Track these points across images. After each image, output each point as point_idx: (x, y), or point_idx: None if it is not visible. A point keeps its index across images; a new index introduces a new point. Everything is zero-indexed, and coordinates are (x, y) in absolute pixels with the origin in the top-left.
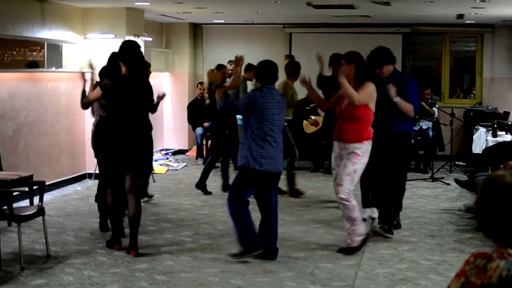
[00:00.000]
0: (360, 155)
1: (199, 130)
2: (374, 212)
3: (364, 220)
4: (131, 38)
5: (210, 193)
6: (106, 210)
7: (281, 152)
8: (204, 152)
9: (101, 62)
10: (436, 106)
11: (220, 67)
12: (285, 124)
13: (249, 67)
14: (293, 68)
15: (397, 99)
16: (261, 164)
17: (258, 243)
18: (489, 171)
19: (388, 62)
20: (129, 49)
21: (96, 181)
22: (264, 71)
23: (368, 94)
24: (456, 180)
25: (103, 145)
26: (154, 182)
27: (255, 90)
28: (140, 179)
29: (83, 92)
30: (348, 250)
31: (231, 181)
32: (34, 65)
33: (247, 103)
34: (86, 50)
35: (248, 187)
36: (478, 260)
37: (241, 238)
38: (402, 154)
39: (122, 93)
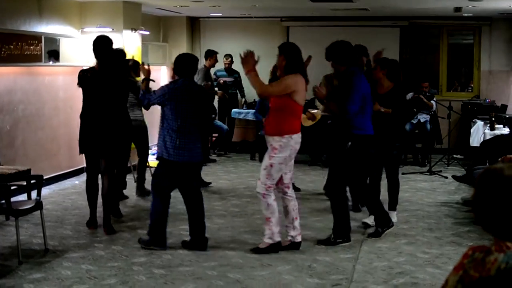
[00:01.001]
0: (277, 148)
1: None
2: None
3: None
4: (128, 32)
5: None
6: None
7: (197, 143)
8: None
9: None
10: (434, 99)
11: (210, 53)
12: None
13: (210, 53)
14: None
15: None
16: (173, 154)
17: (164, 241)
18: (487, 164)
19: (334, 58)
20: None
21: None
22: (181, 64)
23: (285, 86)
24: (454, 177)
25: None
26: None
27: (171, 82)
28: (114, 163)
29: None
30: (255, 250)
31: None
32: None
33: (161, 95)
34: (83, 44)
35: (165, 177)
36: (477, 253)
37: (151, 227)
38: (347, 154)
39: (92, 85)
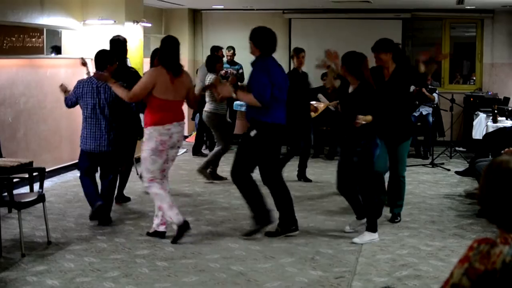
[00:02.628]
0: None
1: (198, 118)
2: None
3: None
4: (130, 24)
5: (225, 178)
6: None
7: (105, 133)
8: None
9: (100, 48)
10: (436, 92)
11: (216, 49)
12: None
13: (215, 49)
14: None
15: (233, 95)
16: (83, 143)
17: (97, 201)
18: (490, 157)
19: (254, 41)
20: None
21: None
22: (98, 59)
23: (143, 85)
24: (457, 172)
25: None
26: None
27: (81, 79)
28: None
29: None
30: (173, 240)
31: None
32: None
33: (74, 92)
34: (85, 37)
35: (83, 163)
36: (482, 246)
37: (88, 201)
38: (255, 145)
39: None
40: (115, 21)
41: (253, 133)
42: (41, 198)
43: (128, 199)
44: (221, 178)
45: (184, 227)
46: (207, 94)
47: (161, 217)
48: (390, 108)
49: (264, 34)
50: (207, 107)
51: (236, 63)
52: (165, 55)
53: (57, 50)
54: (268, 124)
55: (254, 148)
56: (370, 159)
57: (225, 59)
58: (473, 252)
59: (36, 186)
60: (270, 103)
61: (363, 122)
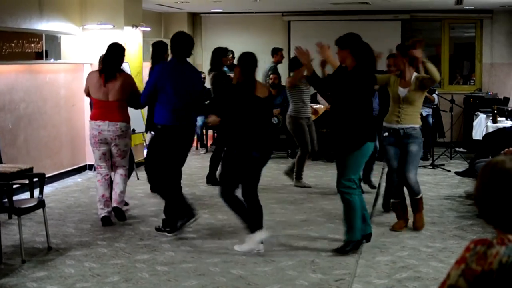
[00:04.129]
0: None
1: (199, 121)
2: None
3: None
4: (129, 28)
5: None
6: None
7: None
8: (209, 143)
9: (100, 52)
10: (436, 92)
11: (276, 50)
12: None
13: (275, 50)
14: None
15: None
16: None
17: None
18: (490, 157)
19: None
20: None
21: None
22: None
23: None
24: (457, 173)
25: None
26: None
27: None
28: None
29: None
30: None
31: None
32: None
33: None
34: (84, 41)
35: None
36: (479, 247)
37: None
38: (154, 147)
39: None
40: (114, 26)
41: (149, 135)
42: (41, 204)
43: (126, 204)
44: (305, 186)
45: (103, 221)
46: (289, 96)
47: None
48: (336, 113)
49: (173, 39)
50: (289, 110)
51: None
52: (104, 60)
53: (56, 55)
54: (156, 126)
55: (153, 149)
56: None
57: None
58: (470, 253)
59: (36, 192)
60: (145, 105)
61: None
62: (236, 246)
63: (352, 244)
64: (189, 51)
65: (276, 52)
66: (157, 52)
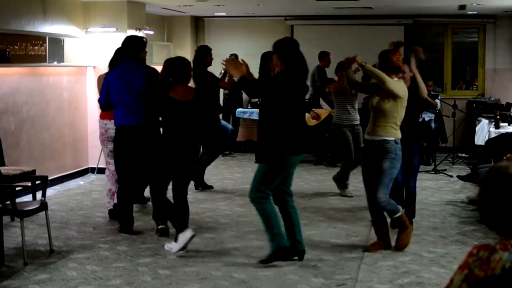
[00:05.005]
0: None
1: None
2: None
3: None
4: (133, 31)
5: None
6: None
7: None
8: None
9: (103, 55)
10: (439, 97)
11: (323, 54)
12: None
13: (322, 55)
14: None
15: None
16: None
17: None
18: (492, 162)
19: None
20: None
21: (99, 175)
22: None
23: None
24: (459, 176)
25: None
26: None
27: None
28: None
29: None
30: None
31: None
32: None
33: None
34: (87, 44)
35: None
36: (481, 252)
37: None
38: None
39: None
40: (117, 29)
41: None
42: (43, 206)
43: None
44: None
45: (110, 215)
46: (334, 102)
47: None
48: (259, 119)
49: (124, 41)
50: (334, 116)
51: None
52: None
53: (59, 58)
54: (117, 127)
55: (115, 150)
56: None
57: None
58: (473, 258)
59: (39, 194)
60: (105, 108)
61: None
62: (166, 245)
63: (277, 251)
64: (137, 52)
65: (322, 57)
66: (198, 56)
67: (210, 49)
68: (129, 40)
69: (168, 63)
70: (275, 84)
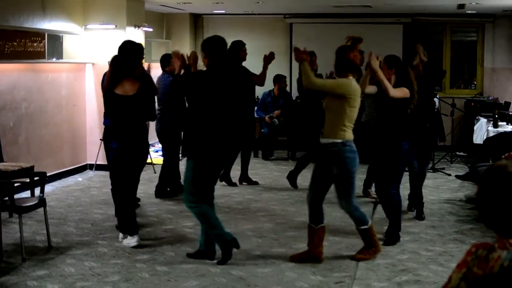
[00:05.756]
0: None
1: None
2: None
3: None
4: (132, 28)
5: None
6: None
7: None
8: None
9: (102, 52)
10: (437, 96)
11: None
12: None
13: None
14: None
15: None
16: None
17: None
18: (490, 161)
19: None
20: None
21: (97, 172)
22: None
23: None
24: (457, 176)
25: None
26: (154, 173)
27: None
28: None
29: None
30: None
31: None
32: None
33: None
34: (86, 41)
35: None
36: (480, 251)
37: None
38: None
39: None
40: (116, 26)
41: None
42: (42, 202)
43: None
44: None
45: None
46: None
47: None
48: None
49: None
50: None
51: None
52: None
53: (58, 54)
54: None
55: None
56: None
57: None
58: (471, 257)
59: (37, 191)
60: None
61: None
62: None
63: (226, 247)
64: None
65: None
66: (232, 51)
67: (244, 44)
68: (126, 47)
69: (113, 59)
70: (196, 82)
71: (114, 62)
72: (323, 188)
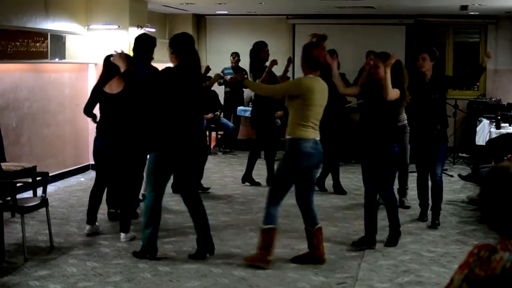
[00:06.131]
0: None
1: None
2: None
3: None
4: (134, 29)
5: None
6: None
7: None
8: (212, 145)
9: (104, 53)
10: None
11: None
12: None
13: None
14: None
15: None
16: None
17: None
18: (493, 163)
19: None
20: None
21: None
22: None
23: None
24: (460, 176)
25: None
26: None
27: None
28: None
29: None
30: None
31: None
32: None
33: None
34: (89, 41)
35: None
36: (482, 252)
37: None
38: None
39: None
40: (119, 26)
41: None
42: (44, 202)
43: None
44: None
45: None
46: None
47: None
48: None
49: (137, 39)
50: None
51: (242, 69)
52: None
53: (61, 54)
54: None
55: None
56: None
57: (229, 65)
58: (473, 258)
59: (40, 191)
60: None
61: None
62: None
63: (145, 251)
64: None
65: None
66: (254, 51)
67: (266, 44)
68: (142, 39)
69: (105, 59)
70: (163, 78)
71: (107, 61)
72: (298, 188)
